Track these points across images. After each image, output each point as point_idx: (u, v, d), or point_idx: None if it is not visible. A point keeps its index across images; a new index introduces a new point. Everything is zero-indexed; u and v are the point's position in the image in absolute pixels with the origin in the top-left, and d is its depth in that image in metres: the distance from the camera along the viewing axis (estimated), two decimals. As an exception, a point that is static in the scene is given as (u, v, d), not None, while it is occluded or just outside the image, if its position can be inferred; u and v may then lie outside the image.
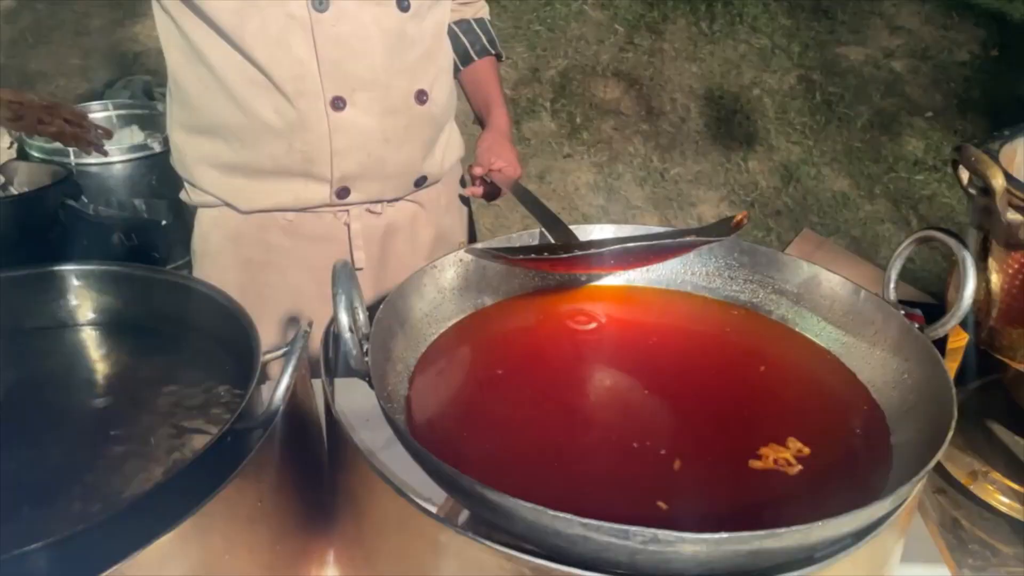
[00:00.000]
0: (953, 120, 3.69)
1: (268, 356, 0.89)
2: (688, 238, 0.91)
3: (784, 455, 0.76)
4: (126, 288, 0.96)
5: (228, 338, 0.90)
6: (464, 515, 0.87)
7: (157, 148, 1.77)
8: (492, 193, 1.41)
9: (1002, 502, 0.89)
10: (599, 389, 0.86)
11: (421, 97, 1.29)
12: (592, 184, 3.31)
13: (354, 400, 0.85)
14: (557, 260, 0.95)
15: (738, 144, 3.55)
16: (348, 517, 0.81)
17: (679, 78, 3.78)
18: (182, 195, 1.37)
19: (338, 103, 1.21)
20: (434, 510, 0.76)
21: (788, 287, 0.99)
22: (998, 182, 0.73)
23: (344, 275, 0.76)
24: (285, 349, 0.89)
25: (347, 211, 1.34)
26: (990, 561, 0.82)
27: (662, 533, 0.60)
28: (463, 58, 1.48)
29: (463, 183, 1.52)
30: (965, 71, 3.85)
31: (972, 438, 0.93)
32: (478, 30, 1.49)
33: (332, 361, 0.89)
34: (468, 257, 1.01)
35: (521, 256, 0.96)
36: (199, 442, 0.82)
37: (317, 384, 0.93)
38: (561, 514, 0.61)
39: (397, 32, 1.23)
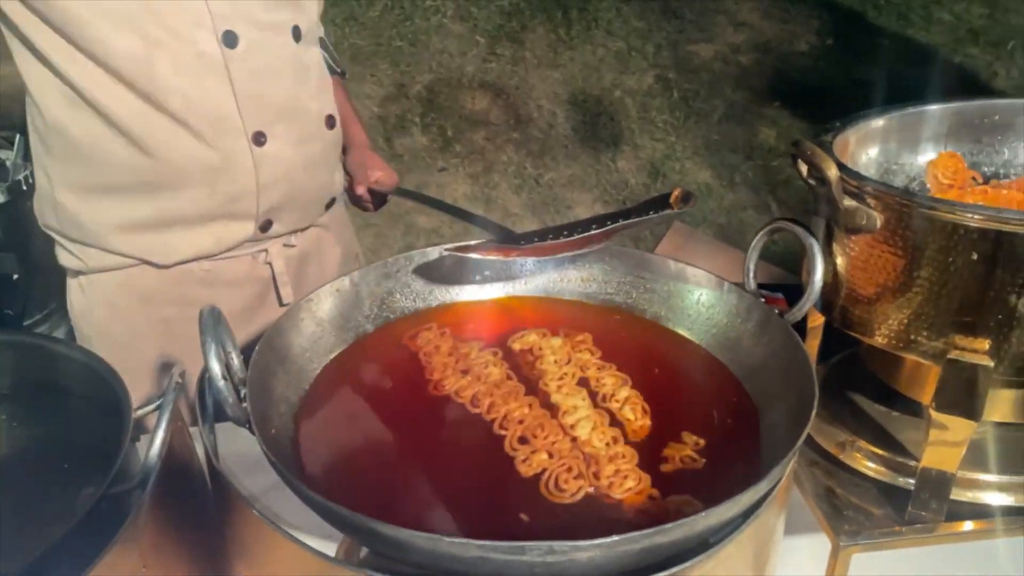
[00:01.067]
0: (799, 107, 3.92)
1: (140, 411, 0.85)
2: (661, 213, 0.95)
3: (686, 452, 0.79)
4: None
5: (97, 396, 0.85)
6: (362, 553, 0.86)
7: (1, 198, 1.66)
8: (379, 202, 1.46)
9: (869, 467, 0.95)
10: (489, 408, 0.86)
11: (330, 122, 1.32)
12: (469, 195, 3.33)
13: (239, 445, 0.82)
14: (559, 244, 0.97)
15: (605, 145, 3.65)
16: (242, 568, 0.79)
17: (543, 85, 3.86)
18: (67, 261, 1.25)
19: (259, 138, 1.20)
20: (331, 552, 0.75)
21: (658, 285, 1.03)
22: (832, 172, 0.79)
23: (211, 321, 0.74)
24: (158, 402, 0.85)
25: (265, 250, 1.32)
26: (864, 524, 0.88)
27: (557, 544, 0.61)
28: None
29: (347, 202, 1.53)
30: (805, 60, 4.11)
31: (837, 411, 0.99)
32: (325, 54, 1.47)
33: (209, 408, 0.86)
34: (344, 285, 1.00)
35: (523, 244, 0.98)
36: (77, 509, 0.78)
37: (197, 432, 0.90)
38: (457, 539, 0.62)
39: (297, 61, 1.24)
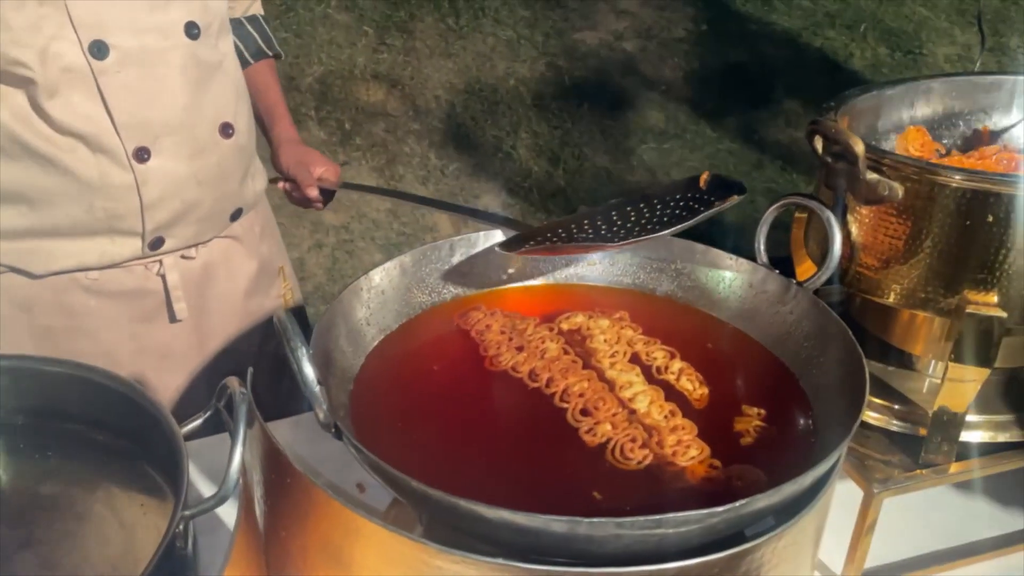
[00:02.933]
0: (683, 90, 4.10)
1: (186, 428, 0.81)
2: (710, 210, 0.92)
3: (755, 423, 0.83)
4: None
5: (139, 431, 0.80)
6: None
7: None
8: (328, 197, 1.39)
9: (872, 417, 1.03)
10: (548, 382, 0.87)
11: (227, 131, 1.21)
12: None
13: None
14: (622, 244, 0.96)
15: (506, 134, 3.69)
16: (328, 563, 0.77)
17: (438, 75, 3.84)
18: None
19: (142, 154, 1.12)
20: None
21: (666, 265, 1.07)
22: (860, 148, 0.85)
23: (291, 323, 0.71)
24: (204, 416, 0.81)
25: (159, 261, 1.24)
26: (887, 472, 0.96)
27: (693, 515, 0.64)
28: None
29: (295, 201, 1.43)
30: (684, 46, 4.30)
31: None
32: (251, 29, 1.40)
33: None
34: (366, 286, 0.98)
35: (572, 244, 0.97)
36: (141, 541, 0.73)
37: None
38: (596, 520, 0.63)
39: (192, 63, 1.15)
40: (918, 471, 0.95)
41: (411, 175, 3.35)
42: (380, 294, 0.97)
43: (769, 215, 1.00)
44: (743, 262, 1.01)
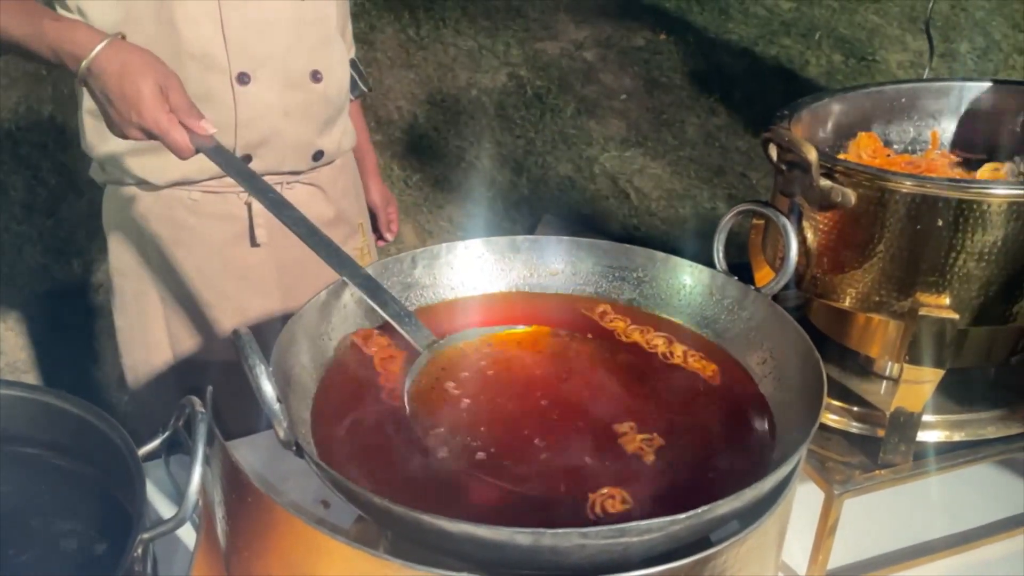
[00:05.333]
0: (643, 99, 4.14)
1: (144, 450, 0.79)
2: None
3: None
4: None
5: (96, 452, 0.78)
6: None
7: None
8: None
9: (832, 419, 1.04)
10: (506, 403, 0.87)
11: (316, 76, 1.41)
12: (335, 201, 3.25)
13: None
14: None
15: (469, 144, 3.69)
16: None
17: (400, 86, 3.84)
18: (92, 173, 1.49)
19: (243, 78, 1.33)
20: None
21: (628, 273, 1.08)
22: (812, 156, 0.87)
23: (249, 342, 0.70)
24: (161, 438, 0.80)
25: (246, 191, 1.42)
26: (848, 473, 0.97)
27: (645, 524, 0.64)
28: None
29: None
30: (644, 55, 4.34)
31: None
32: (353, 73, 1.60)
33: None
34: (328, 298, 0.97)
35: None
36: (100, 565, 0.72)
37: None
38: (561, 530, 0.63)
39: (295, 18, 1.37)
40: (877, 471, 0.97)
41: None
42: (342, 308, 0.97)
43: (726, 223, 1.01)
44: (702, 269, 1.02)
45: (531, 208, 3.54)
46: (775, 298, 0.96)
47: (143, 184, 1.42)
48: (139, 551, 0.67)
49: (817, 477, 0.96)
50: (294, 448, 0.71)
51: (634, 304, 1.06)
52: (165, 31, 1.30)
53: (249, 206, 1.45)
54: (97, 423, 0.78)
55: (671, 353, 0.93)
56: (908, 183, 0.86)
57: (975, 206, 0.84)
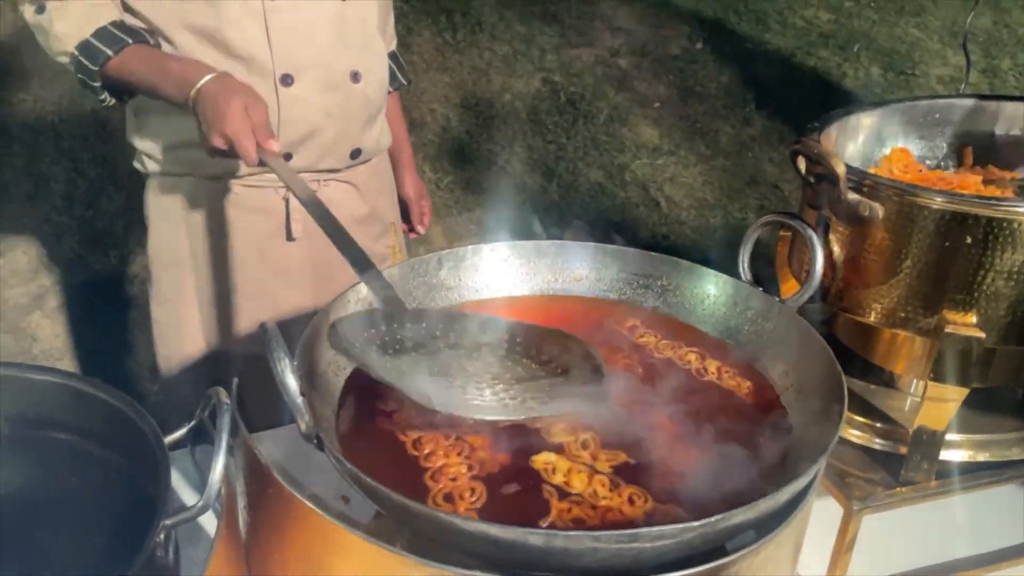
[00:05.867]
0: (677, 107, 4.12)
1: (170, 438, 0.81)
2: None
3: None
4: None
5: (125, 443, 0.80)
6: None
7: None
8: None
9: (857, 436, 1.04)
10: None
11: (356, 77, 1.46)
12: (367, 201, 3.28)
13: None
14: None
15: (500, 148, 3.70)
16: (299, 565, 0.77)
17: (434, 89, 3.86)
18: (136, 164, 1.52)
19: (287, 80, 1.38)
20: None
21: (652, 281, 1.08)
22: (840, 169, 0.86)
23: (275, 336, 0.72)
24: (187, 427, 0.82)
25: (284, 187, 1.46)
26: (867, 489, 0.96)
27: (668, 528, 0.64)
28: None
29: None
30: (679, 63, 4.32)
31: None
32: (393, 65, 1.65)
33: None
34: (354, 298, 0.98)
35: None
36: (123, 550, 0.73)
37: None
38: (573, 533, 0.64)
39: (337, 19, 1.42)
40: (898, 489, 0.96)
41: (405, 188, 3.35)
42: (367, 306, 0.98)
43: (752, 233, 1.02)
44: (727, 279, 1.02)
45: (560, 214, 3.54)
46: (801, 311, 0.96)
47: (185, 176, 1.47)
48: (161, 536, 0.69)
49: (837, 492, 0.96)
50: (315, 441, 0.72)
51: (658, 311, 1.06)
52: (212, 35, 1.34)
53: (286, 201, 1.49)
54: (127, 411, 0.80)
55: (704, 370, 0.94)
56: (937, 199, 0.85)
57: (1004, 224, 0.83)
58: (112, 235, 3.10)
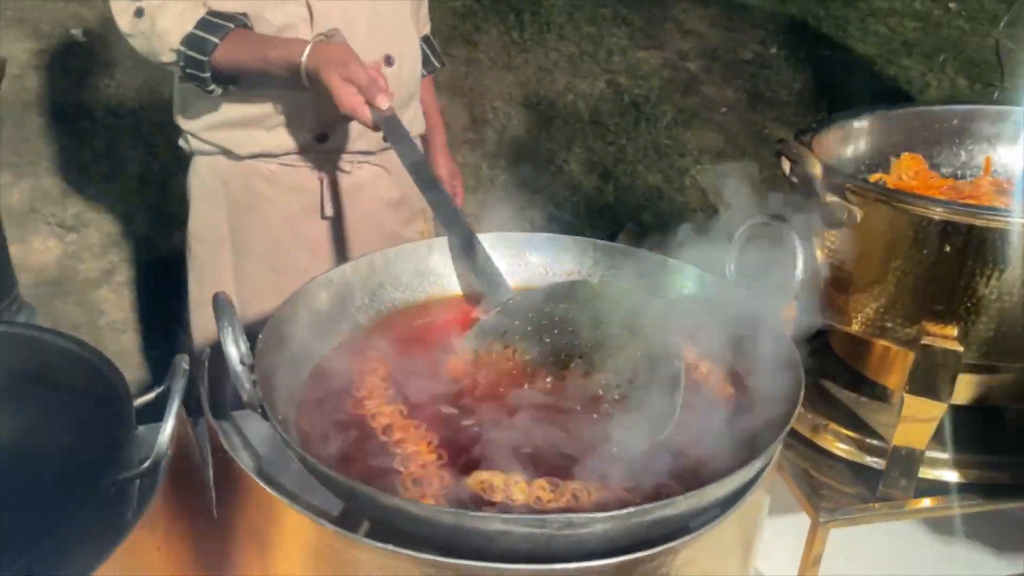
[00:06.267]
0: (745, 113, 4.04)
1: (140, 400, 0.85)
2: None
3: None
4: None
5: (93, 387, 0.85)
6: (366, 526, 0.88)
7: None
8: None
9: (842, 449, 1.01)
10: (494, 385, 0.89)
11: (389, 60, 1.50)
12: (424, 195, 3.33)
13: (228, 433, 0.83)
14: None
15: (559, 147, 3.70)
16: (250, 547, 0.80)
17: (498, 87, 3.89)
18: (180, 143, 1.59)
19: None
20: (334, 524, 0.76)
21: (638, 277, 1.07)
22: (816, 170, 0.84)
23: (225, 306, 0.75)
24: (157, 391, 0.85)
25: (319, 167, 1.53)
26: (840, 502, 0.93)
27: (576, 517, 0.64)
28: None
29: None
30: (752, 68, 4.23)
31: (811, 395, 1.05)
32: (426, 49, 1.68)
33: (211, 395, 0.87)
34: (337, 277, 1.01)
35: None
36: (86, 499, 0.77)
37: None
38: (480, 514, 0.64)
39: (372, 4, 1.47)
40: (872, 504, 0.93)
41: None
42: (345, 287, 1.00)
43: (740, 234, 1.00)
44: (712, 278, 1.00)
45: (615, 216, 3.52)
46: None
47: (226, 154, 1.53)
48: (112, 490, 0.72)
49: (805, 503, 0.93)
50: (259, 411, 0.75)
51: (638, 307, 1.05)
52: (255, 20, 1.38)
53: (321, 181, 1.54)
54: (102, 368, 0.84)
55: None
56: (915, 204, 0.82)
57: (987, 233, 0.80)
58: (180, 217, 3.23)
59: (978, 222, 0.80)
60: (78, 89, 3.51)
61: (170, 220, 3.25)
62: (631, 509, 0.65)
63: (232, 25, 1.32)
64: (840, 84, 4.25)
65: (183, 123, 1.55)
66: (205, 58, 1.31)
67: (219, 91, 1.39)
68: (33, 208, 3.17)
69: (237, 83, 1.41)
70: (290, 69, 1.27)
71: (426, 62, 1.69)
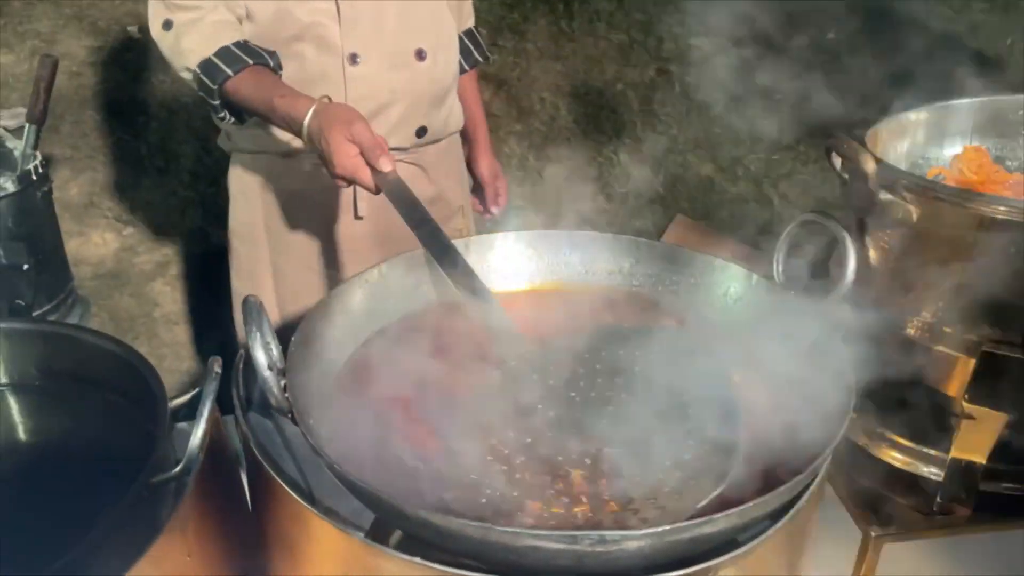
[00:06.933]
0: (802, 101, 3.92)
1: (176, 401, 0.85)
2: None
3: None
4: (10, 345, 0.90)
5: (131, 386, 0.85)
6: (397, 536, 0.87)
7: (11, 188, 1.64)
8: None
9: (897, 459, 0.96)
10: (528, 397, 0.86)
11: (421, 55, 1.48)
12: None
13: (269, 433, 0.83)
14: None
15: (607, 138, 3.64)
16: (279, 552, 0.79)
17: (545, 77, 3.84)
18: (220, 142, 1.60)
19: (354, 58, 1.42)
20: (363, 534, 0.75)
21: (682, 278, 1.04)
22: (870, 166, 0.80)
23: (255, 311, 0.74)
24: (192, 393, 0.85)
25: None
26: (893, 516, 0.89)
27: (608, 534, 0.62)
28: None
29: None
30: (805, 55, 4.11)
31: (865, 403, 1.00)
32: (468, 43, 1.66)
33: (243, 396, 0.86)
34: (373, 277, 1.00)
35: None
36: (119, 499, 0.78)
37: (227, 420, 0.90)
38: (509, 528, 0.62)
39: (404, 2, 1.44)
40: (927, 519, 0.88)
41: (508, 175, 3.35)
42: (384, 288, 0.99)
43: (788, 232, 0.96)
44: (759, 279, 0.96)
45: (665, 206, 3.46)
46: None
47: (262, 153, 1.53)
48: (145, 492, 0.72)
49: (859, 517, 0.89)
50: (289, 415, 0.74)
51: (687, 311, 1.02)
52: (284, 16, 1.38)
53: None
54: (140, 368, 0.85)
55: None
56: (973, 202, 0.77)
57: (1054, 234, 0.74)
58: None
59: (1043, 221, 0.74)
60: (134, 85, 3.58)
61: (222, 214, 3.28)
62: (666, 527, 0.62)
63: (251, 61, 1.30)
64: (905, 73, 4.09)
65: (222, 123, 1.54)
66: (215, 87, 1.30)
67: (231, 120, 1.37)
68: (92, 202, 3.24)
69: (244, 119, 1.39)
70: (292, 124, 1.24)
71: (468, 56, 1.66)
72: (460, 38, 1.63)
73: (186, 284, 3.10)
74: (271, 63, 1.36)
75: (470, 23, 1.69)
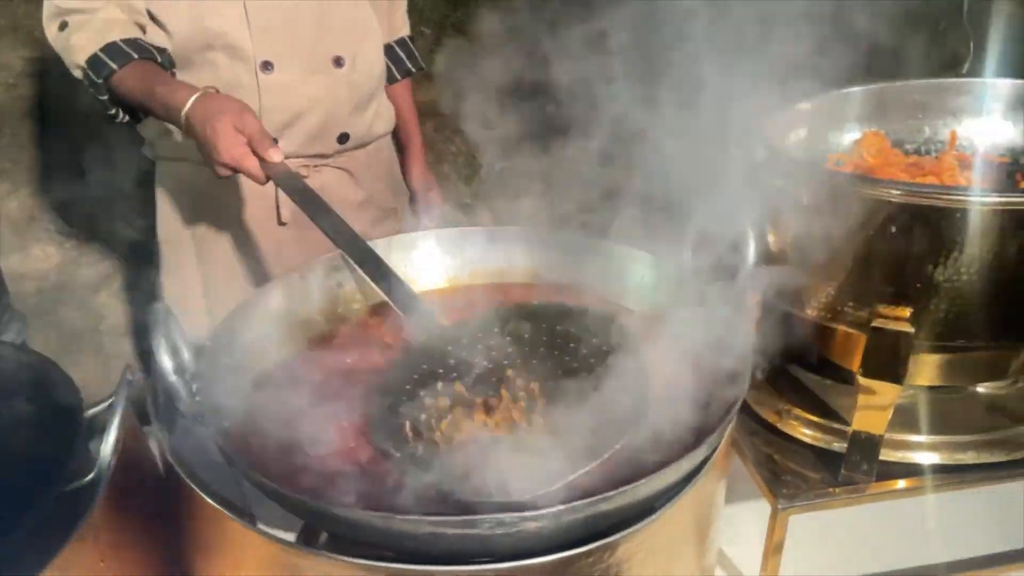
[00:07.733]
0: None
1: (92, 411, 0.85)
2: None
3: None
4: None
5: (46, 397, 0.85)
6: (322, 538, 0.88)
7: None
8: None
9: (806, 434, 0.99)
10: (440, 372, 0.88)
11: (339, 62, 1.47)
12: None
13: (190, 440, 0.83)
14: None
15: (555, 134, 3.67)
16: (201, 561, 0.80)
17: (492, 74, 3.86)
18: (144, 150, 1.60)
19: (267, 67, 1.41)
20: (290, 538, 0.77)
21: (600, 266, 1.07)
22: (760, 152, 0.83)
23: (162, 317, 0.75)
24: (109, 401, 0.86)
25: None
26: (801, 488, 0.92)
27: (506, 516, 0.64)
28: (388, 78, 1.65)
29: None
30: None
31: (775, 380, 1.04)
32: (400, 53, 1.67)
33: (162, 404, 0.87)
34: (293, 280, 1.01)
35: None
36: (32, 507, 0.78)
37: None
38: (409, 517, 0.64)
39: (318, 4, 1.43)
40: (831, 490, 0.92)
41: (455, 174, 3.37)
42: (304, 292, 1.00)
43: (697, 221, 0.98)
44: (667, 264, 1.00)
45: (617, 200, 3.50)
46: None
47: (184, 160, 1.51)
48: (57, 501, 0.73)
49: (766, 490, 0.92)
50: (200, 421, 0.75)
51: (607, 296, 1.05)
52: (195, 25, 1.38)
53: (276, 187, 1.48)
54: (59, 381, 0.85)
55: None
56: (861, 184, 0.81)
57: (931, 213, 0.78)
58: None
59: (925, 201, 0.78)
60: (73, 96, 3.53)
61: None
62: (561, 507, 0.64)
63: (135, 56, 1.30)
64: (803, 63, 4.17)
65: (144, 131, 1.55)
66: (100, 81, 1.29)
67: (124, 117, 1.37)
68: (32, 216, 3.19)
69: (137, 114, 1.38)
70: (170, 112, 1.23)
71: (400, 65, 1.67)
72: (392, 47, 1.65)
73: (130, 296, 3.06)
74: (159, 59, 1.35)
75: (403, 32, 1.69)
